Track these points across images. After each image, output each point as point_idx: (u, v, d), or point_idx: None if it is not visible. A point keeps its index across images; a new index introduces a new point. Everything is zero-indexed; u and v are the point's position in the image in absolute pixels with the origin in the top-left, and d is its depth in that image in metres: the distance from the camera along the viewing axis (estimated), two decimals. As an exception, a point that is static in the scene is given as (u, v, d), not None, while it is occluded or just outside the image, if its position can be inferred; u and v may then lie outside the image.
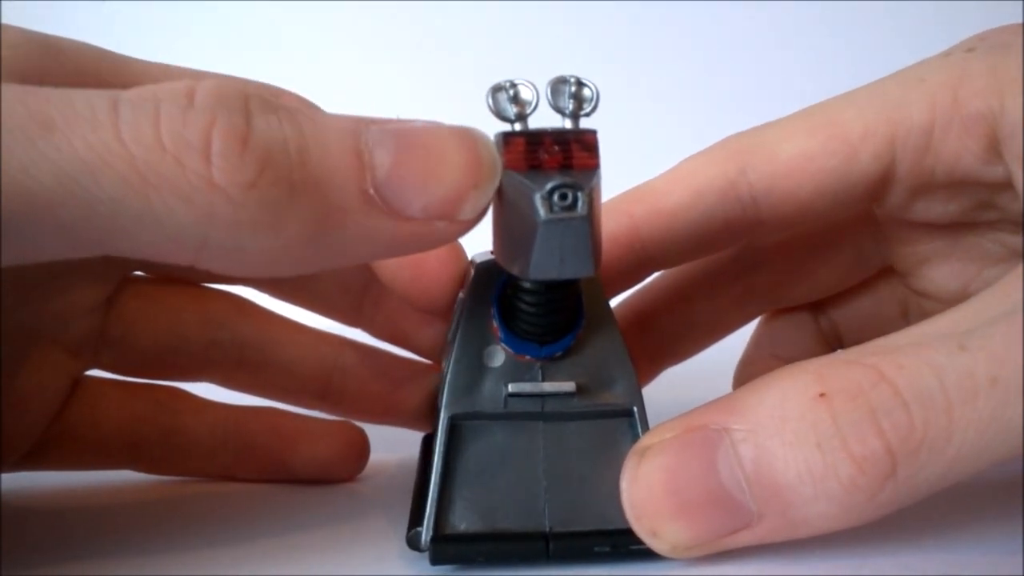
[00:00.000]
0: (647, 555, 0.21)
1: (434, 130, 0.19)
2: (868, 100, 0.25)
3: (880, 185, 0.25)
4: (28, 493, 0.28)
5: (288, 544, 0.24)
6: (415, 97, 0.62)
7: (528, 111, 0.20)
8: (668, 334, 0.31)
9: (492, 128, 0.20)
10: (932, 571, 0.20)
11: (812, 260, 0.30)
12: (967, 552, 0.21)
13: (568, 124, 0.20)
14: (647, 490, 0.20)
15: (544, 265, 0.18)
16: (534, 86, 0.20)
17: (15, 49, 0.22)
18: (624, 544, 0.21)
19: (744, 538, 0.20)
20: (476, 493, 0.22)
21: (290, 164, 0.17)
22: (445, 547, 0.21)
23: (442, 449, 0.22)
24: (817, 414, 0.19)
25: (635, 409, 0.22)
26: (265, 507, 0.28)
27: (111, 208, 0.16)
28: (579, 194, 0.17)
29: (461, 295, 0.25)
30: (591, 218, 0.17)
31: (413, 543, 0.22)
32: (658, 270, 0.29)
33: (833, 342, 0.32)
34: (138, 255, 0.17)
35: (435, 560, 0.21)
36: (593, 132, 0.20)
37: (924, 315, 0.30)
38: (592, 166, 0.19)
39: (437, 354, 0.30)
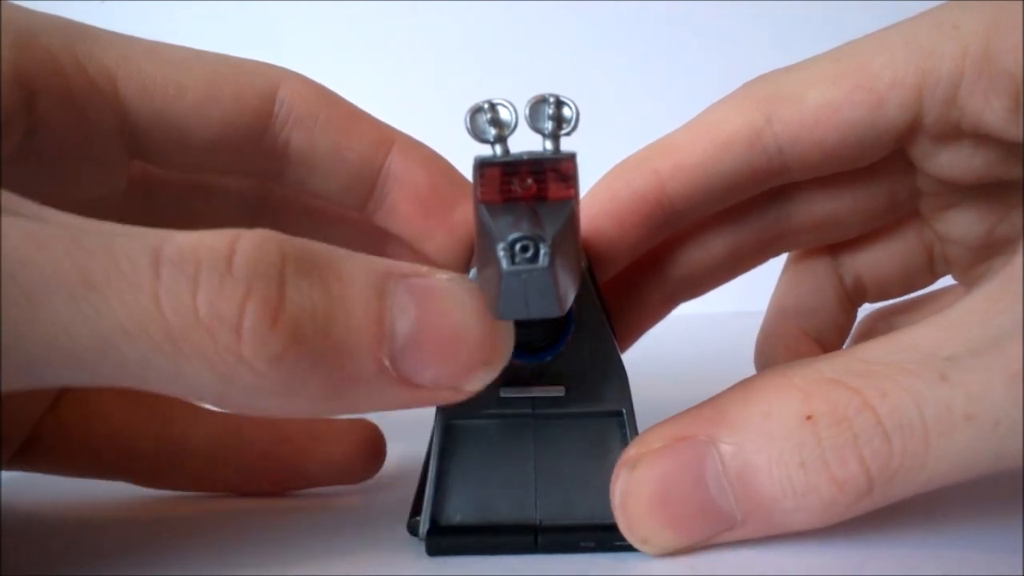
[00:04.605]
0: (630, 549, 0.22)
1: (458, 296, 0.19)
2: (899, 45, 0.24)
3: (907, 134, 0.25)
4: (29, 497, 0.28)
5: (291, 525, 0.25)
6: (414, 97, 0.61)
7: (507, 132, 0.20)
8: (685, 269, 0.30)
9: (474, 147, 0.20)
10: (932, 571, 0.20)
11: (843, 198, 0.29)
12: (967, 551, 0.21)
13: (548, 145, 0.20)
14: (638, 503, 0.21)
15: (510, 308, 0.18)
16: (513, 106, 0.20)
17: None
18: (609, 540, 0.22)
19: (725, 537, 0.22)
20: (471, 488, 0.23)
21: (316, 335, 0.17)
22: (440, 540, 0.23)
23: (437, 449, 0.23)
24: (803, 435, 0.20)
25: (624, 411, 0.23)
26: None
27: (140, 367, 0.17)
28: (541, 246, 0.17)
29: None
30: (553, 267, 0.17)
31: (413, 529, 0.23)
32: (683, 224, 0.28)
33: (858, 302, 0.32)
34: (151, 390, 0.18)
35: (431, 551, 0.23)
36: (572, 158, 0.19)
37: (949, 264, 0.30)
38: (568, 197, 0.19)
39: None
